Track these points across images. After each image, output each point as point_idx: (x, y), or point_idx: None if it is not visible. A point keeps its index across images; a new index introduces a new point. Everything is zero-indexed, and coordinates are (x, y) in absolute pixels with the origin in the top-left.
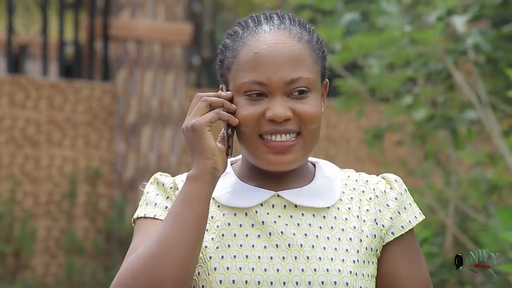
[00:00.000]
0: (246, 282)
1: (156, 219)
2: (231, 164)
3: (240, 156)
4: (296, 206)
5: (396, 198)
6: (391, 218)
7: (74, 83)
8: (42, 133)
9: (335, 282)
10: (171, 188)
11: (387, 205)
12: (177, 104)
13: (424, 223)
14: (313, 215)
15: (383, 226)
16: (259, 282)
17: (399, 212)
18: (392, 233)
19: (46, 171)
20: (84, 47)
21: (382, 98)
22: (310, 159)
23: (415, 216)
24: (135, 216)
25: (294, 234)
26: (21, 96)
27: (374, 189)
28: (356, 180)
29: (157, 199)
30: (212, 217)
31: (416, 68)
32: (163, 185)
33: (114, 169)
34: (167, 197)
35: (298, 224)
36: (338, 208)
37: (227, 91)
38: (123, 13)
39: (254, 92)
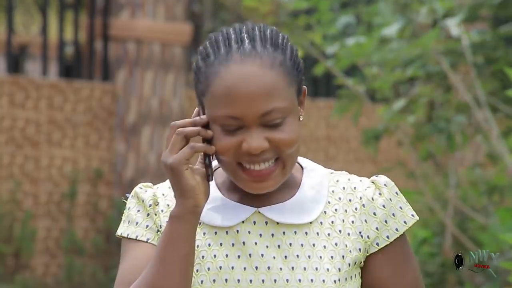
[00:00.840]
0: None
1: (139, 240)
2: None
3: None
4: (278, 223)
5: (384, 206)
6: (377, 228)
7: (74, 83)
8: (42, 133)
9: None
10: (150, 205)
11: (374, 213)
12: (177, 104)
13: (424, 223)
14: (295, 232)
15: (368, 237)
16: None
17: (386, 221)
18: (377, 243)
19: (46, 171)
20: (84, 47)
21: (381, 99)
22: (299, 159)
23: (405, 221)
24: (118, 233)
25: (274, 257)
26: (21, 96)
27: (361, 198)
28: (344, 188)
29: (138, 217)
30: None
31: (415, 69)
32: (143, 201)
33: (114, 169)
34: (148, 214)
35: (279, 246)
36: (321, 223)
37: (203, 113)
38: (123, 13)
39: (231, 127)
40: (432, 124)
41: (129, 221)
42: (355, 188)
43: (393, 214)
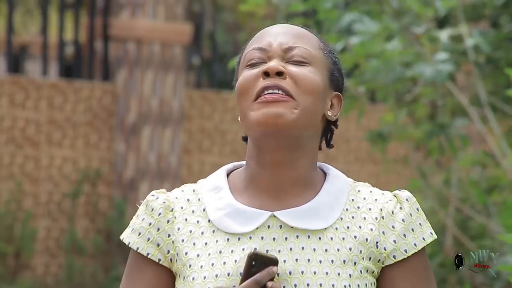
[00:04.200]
0: None
1: (139, 253)
2: (227, 175)
3: (235, 164)
4: (292, 227)
5: (403, 220)
6: (394, 241)
7: (74, 83)
8: (42, 133)
9: None
10: (159, 214)
11: (393, 226)
12: (177, 104)
13: None
14: (308, 236)
15: (384, 249)
16: None
17: (404, 235)
18: (394, 256)
19: (46, 171)
20: (84, 47)
21: (382, 99)
22: (323, 166)
23: (423, 238)
24: (121, 236)
25: (284, 261)
26: (21, 96)
27: (381, 209)
28: (365, 198)
29: (141, 227)
30: (206, 243)
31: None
32: (152, 210)
33: (114, 169)
34: (150, 224)
35: (291, 249)
36: (336, 228)
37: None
38: (123, 13)
39: (255, 60)
40: (430, 130)
41: (132, 229)
42: (376, 200)
43: (412, 229)
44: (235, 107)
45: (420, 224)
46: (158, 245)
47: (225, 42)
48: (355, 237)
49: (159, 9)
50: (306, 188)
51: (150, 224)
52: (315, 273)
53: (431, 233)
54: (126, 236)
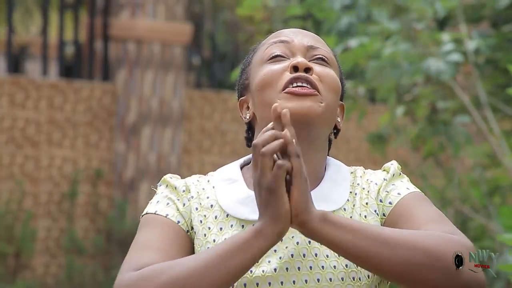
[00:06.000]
0: None
1: (168, 218)
2: (241, 168)
3: (244, 159)
4: None
5: (393, 174)
6: (380, 200)
7: (74, 83)
8: (42, 133)
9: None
10: (183, 191)
11: (381, 189)
12: (177, 104)
13: None
14: None
15: (380, 201)
16: None
17: (387, 192)
18: (384, 214)
19: (46, 171)
20: (84, 47)
21: (381, 99)
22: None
23: (407, 188)
24: (144, 212)
25: (297, 243)
26: (21, 96)
27: (372, 181)
28: (360, 177)
29: (169, 199)
30: (221, 228)
31: (414, 72)
32: (175, 188)
33: (114, 169)
34: (178, 199)
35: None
36: (345, 209)
37: (242, 94)
38: (123, 13)
39: (277, 54)
40: (431, 128)
41: (158, 201)
42: (367, 179)
43: (393, 184)
44: (235, 107)
45: (401, 181)
46: (184, 218)
47: (225, 42)
48: (360, 214)
49: (159, 9)
50: (312, 176)
51: (177, 199)
52: (327, 256)
53: (415, 187)
54: (151, 208)
